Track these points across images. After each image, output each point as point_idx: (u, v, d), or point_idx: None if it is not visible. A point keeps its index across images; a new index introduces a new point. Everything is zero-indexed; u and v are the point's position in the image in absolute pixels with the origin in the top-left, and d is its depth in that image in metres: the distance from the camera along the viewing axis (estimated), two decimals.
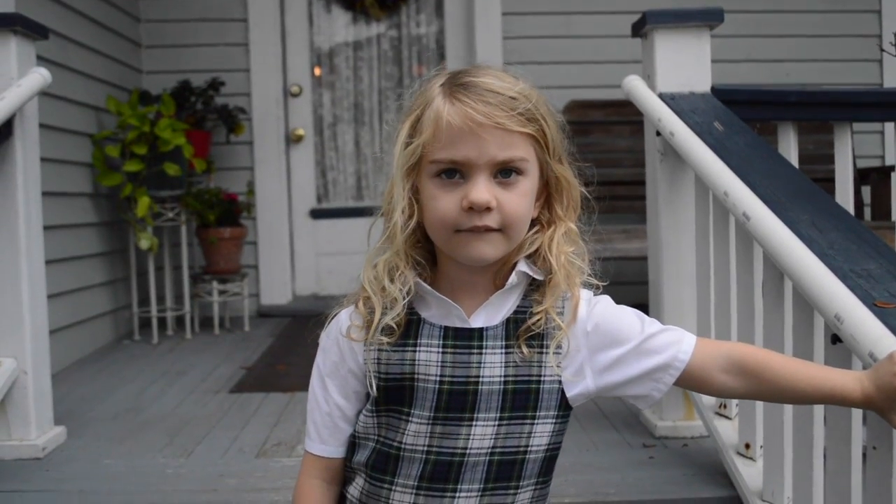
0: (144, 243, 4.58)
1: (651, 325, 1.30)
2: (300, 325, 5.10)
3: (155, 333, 4.78)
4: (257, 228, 5.57)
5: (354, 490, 1.32)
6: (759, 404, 2.29)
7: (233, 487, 2.54)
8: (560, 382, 1.26)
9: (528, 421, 1.25)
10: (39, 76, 2.86)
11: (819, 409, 1.92)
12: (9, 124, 2.78)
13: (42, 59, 3.08)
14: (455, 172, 1.21)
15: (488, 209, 1.19)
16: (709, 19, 2.90)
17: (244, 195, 5.27)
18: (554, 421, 1.27)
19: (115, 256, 4.86)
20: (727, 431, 2.53)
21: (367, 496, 1.29)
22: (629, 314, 1.31)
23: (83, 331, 4.40)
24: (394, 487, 1.26)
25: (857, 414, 1.70)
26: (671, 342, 1.29)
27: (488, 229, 1.21)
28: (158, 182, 4.61)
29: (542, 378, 1.25)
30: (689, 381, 1.30)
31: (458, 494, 1.24)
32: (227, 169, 5.48)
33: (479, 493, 1.25)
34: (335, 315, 1.35)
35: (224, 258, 5.02)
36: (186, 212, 4.88)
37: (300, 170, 5.83)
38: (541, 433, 1.26)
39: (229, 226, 5.01)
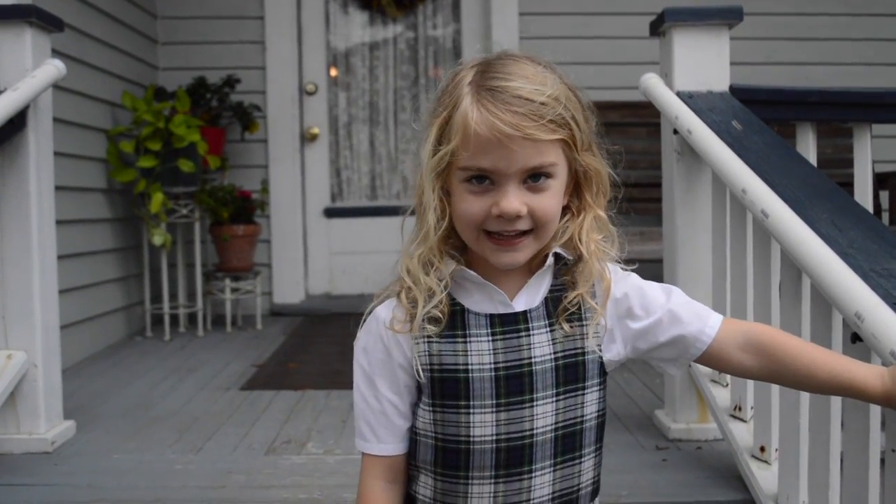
0: (158, 240, 4.58)
1: (680, 295, 1.33)
2: (312, 324, 5.10)
3: (167, 330, 4.78)
4: (271, 226, 5.56)
5: (425, 490, 1.31)
6: (775, 407, 2.25)
7: (241, 484, 2.53)
8: (600, 350, 1.30)
9: (580, 392, 1.28)
10: (54, 68, 2.86)
11: (836, 412, 1.89)
12: (22, 115, 2.77)
13: (58, 53, 3.08)
14: (484, 178, 1.21)
15: (518, 216, 1.20)
16: (728, 17, 2.87)
17: (258, 193, 5.26)
18: (599, 388, 1.30)
19: (128, 252, 4.86)
20: (742, 434, 2.50)
21: (444, 494, 1.28)
22: (656, 286, 1.34)
23: (95, 326, 4.40)
24: (470, 481, 1.26)
25: (875, 417, 1.67)
26: (698, 315, 1.31)
27: (519, 234, 1.22)
28: (172, 178, 4.61)
29: (585, 350, 1.28)
30: (708, 358, 1.31)
31: (534, 474, 1.26)
32: (241, 166, 5.47)
33: (553, 468, 1.27)
34: (370, 312, 1.33)
35: (237, 256, 5.01)
36: (200, 209, 4.88)
37: (314, 168, 5.82)
38: (591, 402, 1.29)
39: (243, 223, 5.00)
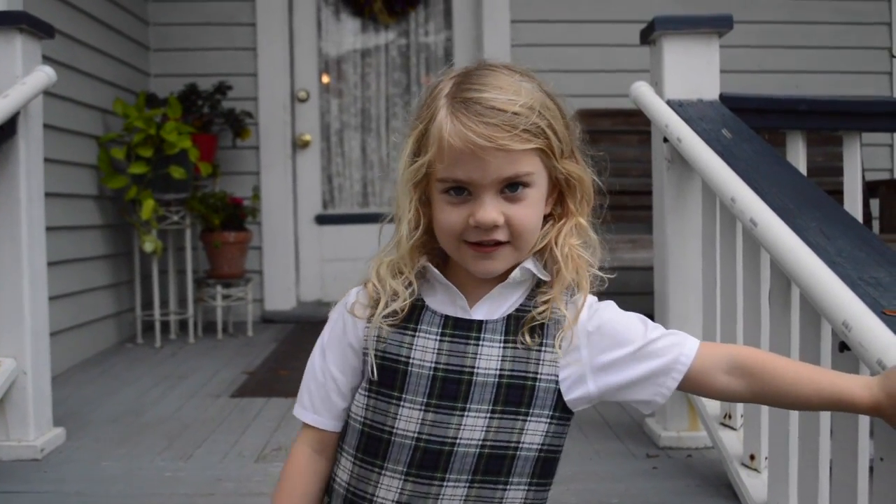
0: (149, 246, 4.57)
1: (655, 329, 1.29)
2: (304, 331, 5.09)
3: (158, 337, 4.77)
4: (262, 233, 5.55)
5: (343, 473, 1.32)
6: (765, 415, 2.26)
7: (231, 491, 2.52)
8: (557, 382, 1.26)
9: (521, 417, 1.24)
10: (44, 75, 2.86)
11: (825, 420, 1.89)
12: (13, 122, 2.77)
13: (49, 60, 3.07)
14: (462, 189, 1.22)
15: (495, 226, 1.21)
16: (718, 26, 2.88)
17: (249, 200, 5.26)
18: (549, 421, 1.26)
19: (119, 259, 4.85)
20: (732, 442, 2.50)
21: (357, 479, 1.29)
22: (633, 318, 1.30)
23: (86, 333, 4.39)
24: (383, 472, 1.26)
25: (864, 425, 1.67)
26: (673, 345, 1.27)
27: (497, 243, 1.22)
28: (164, 185, 4.60)
29: (538, 375, 1.25)
30: (692, 384, 1.28)
31: (445, 483, 1.24)
32: (232, 173, 5.47)
33: (467, 485, 1.24)
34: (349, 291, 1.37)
35: (228, 262, 5.00)
36: (191, 215, 4.87)
37: (306, 175, 5.82)
38: (533, 431, 1.25)
39: (234, 230, 5.00)
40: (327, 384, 1.33)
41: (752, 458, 2.36)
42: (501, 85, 1.21)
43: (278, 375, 3.99)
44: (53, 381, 3.04)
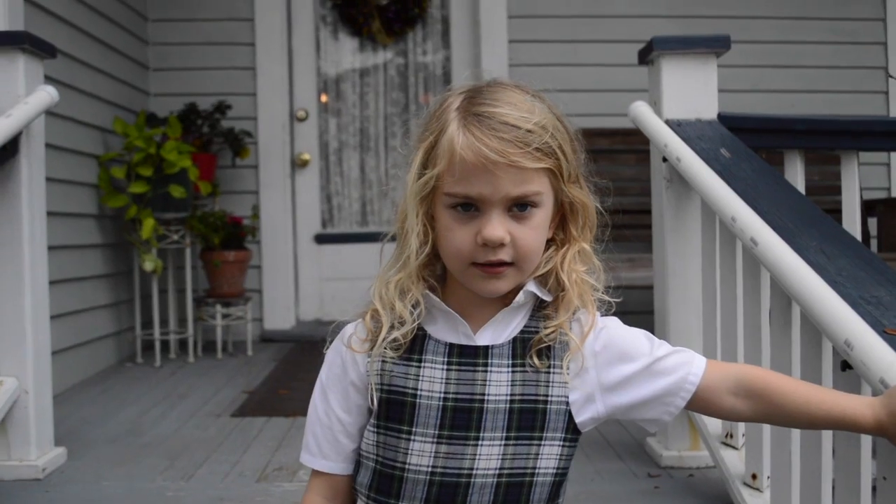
0: (148, 265, 4.57)
1: (661, 346, 1.28)
2: (303, 350, 5.09)
3: (157, 356, 4.76)
4: (262, 252, 5.56)
5: None
6: (766, 434, 2.26)
7: None
8: (567, 403, 1.24)
9: (535, 442, 1.23)
10: (47, 94, 2.87)
11: (827, 439, 1.90)
12: (15, 142, 2.78)
13: (50, 79, 3.09)
14: (470, 206, 1.20)
15: (502, 244, 1.19)
16: (715, 46, 2.91)
17: (249, 219, 5.27)
18: (561, 443, 1.24)
19: (118, 278, 4.85)
20: (734, 461, 2.51)
21: None
22: (638, 334, 1.29)
23: (86, 352, 4.39)
24: None
25: (866, 444, 1.68)
26: (681, 363, 1.26)
27: (502, 263, 1.20)
28: (163, 204, 4.61)
29: (548, 398, 1.23)
30: (698, 404, 1.27)
31: None
32: (232, 192, 5.48)
33: None
34: (340, 327, 1.33)
35: (228, 282, 5.01)
36: (191, 234, 4.88)
37: (305, 194, 5.84)
38: (548, 455, 1.23)
39: (234, 249, 5.01)
40: (333, 426, 1.29)
41: (754, 477, 2.36)
42: (514, 102, 1.20)
43: (278, 395, 3.99)
44: (54, 400, 3.04)
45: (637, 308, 3.60)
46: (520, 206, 1.20)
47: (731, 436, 2.58)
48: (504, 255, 1.19)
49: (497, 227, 1.18)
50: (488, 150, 1.16)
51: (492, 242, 1.18)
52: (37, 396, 2.84)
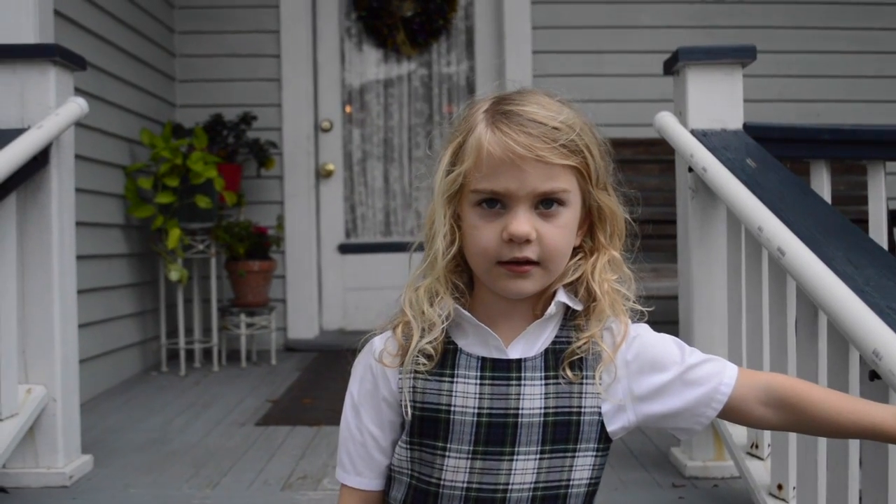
0: (174, 275, 4.61)
1: (692, 354, 1.27)
2: (326, 360, 5.11)
3: (182, 365, 4.79)
4: (286, 262, 5.59)
5: None
6: (793, 444, 2.25)
7: None
8: (600, 414, 1.24)
9: (570, 454, 1.22)
10: (77, 106, 2.91)
11: (854, 450, 1.89)
12: (45, 153, 2.81)
13: (79, 91, 3.12)
14: (496, 202, 1.19)
15: (528, 241, 1.18)
16: (741, 56, 2.90)
17: (274, 229, 5.30)
18: (595, 454, 1.24)
19: (144, 288, 4.89)
20: (759, 472, 2.49)
21: None
22: (669, 342, 1.28)
23: (112, 361, 4.42)
24: None
25: (894, 455, 1.67)
26: (713, 373, 1.25)
27: (528, 261, 1.19)
28: (189, 214, 4.65)
29: (582, 409, 1.23)
30: (727, 413, 1.26)
31: None
32: (257, 202, 5.52)
33: None
34: (368, 341, 1.32)
35: (252, 291, 5.03)
36: (216, 244, 4.91)
37: (329, 205, 5.87)
38: (582, 466, 1.23)
39: (258, 259, 5.03)
40: (367, 442, 1.29)
41: (779, 487, 2.35)
42: (542, 103, 1.21)
43: (302, 404, 4.01)
44: (80, 408, 3.07)
45: (661, 318, 3.58)
46: (546, 203, 1.19)
47: (757, 446, 2.56)
48: (530, 253, 1.18)
49: (523, 222, 1.17)
50: (515, 145, 1.16)
51: (518, 238, 1.17)
52: (64, 404, 2.87)
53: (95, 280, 4.17)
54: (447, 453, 1.22)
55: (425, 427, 1.24)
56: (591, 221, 1.28)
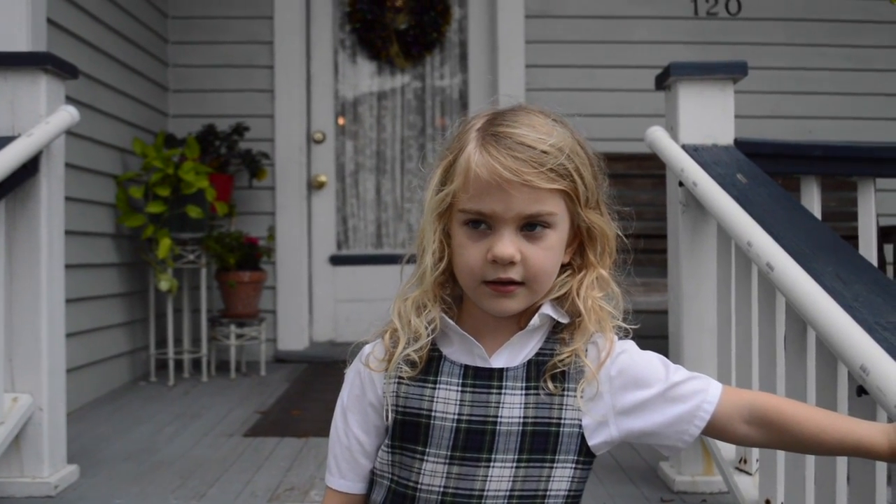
0: (164, 285, 4.59)
1: (677, 371, 1.27)
2: (316, 371, 5.10)
3: (171, 375, 4.78)
4: (277, 273, 5.58)
5: None
6: (781, 460, 2.25)
7: None
8: (580, 427, 1.24)
9: (548, 464, 1.23)
10: (67, 114, 2.90)
11: (842, 466, 1.88)
12: (35, 161, 2.81)
13: (71, 100, 3.12)
14: (481, 223, 1.21)
15: (512, 262, 1.19)
16: (732, 72, 2.92)
17: (265, 240, 5.29)
18: (574, 466, 1.24)
19: (134, 297, 4.87)
20: (747, 487, 2.49)
21: None
22: (654, 359, 1.28)
23: (100, 370, 4.40)
24: None
25: (881, 471, 1.67)
26: (697, 391, 1.25)
27: (512, 282, 1.20)
28: (180, 224, 4.64)
29: (561, 421, 1.23)
30: (712, 431, 1.26)
31: None
32: (248, 213, 5.51)
33: None
34: (360, 348, 1.34)
35: (243, 302, 5.02)
36: (207, 254, 4.90)
37: (321, 216, 5.86)
38: (560, 477, 1.23)
39: (249, 270, 5.02)
40: (352, 446, 1.31)
41: (767, 503, 2.34)
42: (534, 124, 1.21)
43: (291, 415, 3.99)
44: (67, 417, 3.05)
45: (651, 332, 3.58)
46: (532, 226, 1.20)
47: (745, 461, 2.56)
48: (514, 274, 1.20)
49: (508, 244, 1.19)
50: (502, 169, 1.17)
51: (501, 260, 1.18)
52: (51, 414, 2.85)
53: (85, 289, 4.15)
54: (426, 457, 1.23)
55: (406, 431, 1.25)
56: (580, 240, 1.28)
